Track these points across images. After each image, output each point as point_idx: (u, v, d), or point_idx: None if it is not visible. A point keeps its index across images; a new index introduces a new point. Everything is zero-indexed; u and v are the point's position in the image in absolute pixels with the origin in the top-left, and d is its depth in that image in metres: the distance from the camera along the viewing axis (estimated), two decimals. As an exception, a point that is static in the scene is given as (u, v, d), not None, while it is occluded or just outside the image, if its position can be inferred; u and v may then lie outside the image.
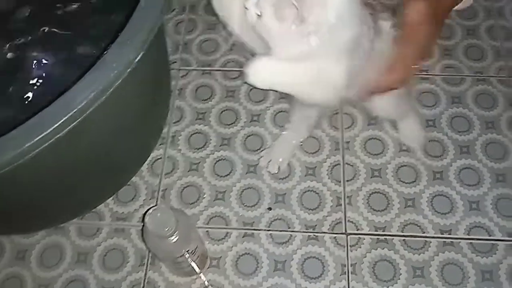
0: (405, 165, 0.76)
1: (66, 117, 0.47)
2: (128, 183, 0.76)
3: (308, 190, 0.74)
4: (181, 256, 0.60)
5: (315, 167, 0.76)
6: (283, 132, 0.78)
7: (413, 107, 0.78)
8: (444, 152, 0.76)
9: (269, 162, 0.76)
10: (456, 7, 0.59)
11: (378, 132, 0.79)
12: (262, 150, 0.78)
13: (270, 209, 0.73)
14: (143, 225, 0.59)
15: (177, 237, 0.56)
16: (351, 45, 0.50)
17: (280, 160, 0.76)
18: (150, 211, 0.58)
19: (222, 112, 0.82)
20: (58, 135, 0.47)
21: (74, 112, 0.47)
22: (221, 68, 0.86)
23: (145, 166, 0.77)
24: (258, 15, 0.48)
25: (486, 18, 0.89)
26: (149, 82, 0.68)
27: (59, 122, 0.47)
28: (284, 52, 0.49)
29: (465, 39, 0.87)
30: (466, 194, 0.73)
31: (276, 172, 0.75)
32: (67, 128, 0.48)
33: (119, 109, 0.58)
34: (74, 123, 0.48)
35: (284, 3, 0.45)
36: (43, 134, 0.46)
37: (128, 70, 0.50)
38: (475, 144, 0.77)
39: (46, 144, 0.47)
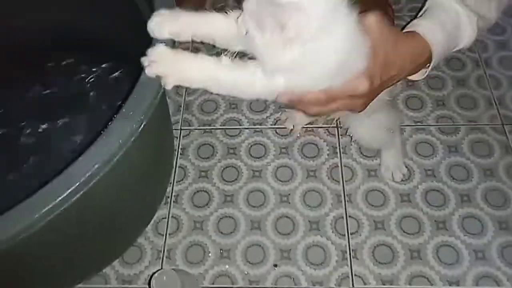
0: (408, 216, 0.76)
1: (69, 191, 0.47)
2: (134, 244, 0.76)
3: (313, 245, 0.74)
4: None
5: (318, 221, 0.77)
6: None
7: (396, 140, 0.79)
8: (445, 201, 0.77)
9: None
10: (412, 77, 0.58)
11: (378, 184, 0.80)
12: (265, 206, 0.79)
13: (276, 265, 0.73)
14: (149, 289, 0.59)
15: (183, 300, 0.56)
16: (341, 60, 0.45)
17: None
18: (156, 274, 0.58)
19: (224, 169, 0.84)
20: (62, 208, 0.47)
21: (78, 185, 0.48)
22: (221, 127, 0.89)
23: (149, 226, 0.78)
24: (246, 31, 0.47)
25: (475, 69, 0.93)
26: (152, 145, 0.70)
27: (63, 196, 0.47)
28: (271, 64, 0.46)
29: (456, 89, 0.91)
30: (471, 243, 0.73)
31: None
32: (71, 200, 0.48)
33: (123, 175, 0.59)
34: (78, 195, 0.48)
35: (263, 13, 0.43)
36: (45, 210, 0.46)
37: (132, 139, 0.51)
38: (475, 192, 0.78)
39: (51, 217, 0.47)
